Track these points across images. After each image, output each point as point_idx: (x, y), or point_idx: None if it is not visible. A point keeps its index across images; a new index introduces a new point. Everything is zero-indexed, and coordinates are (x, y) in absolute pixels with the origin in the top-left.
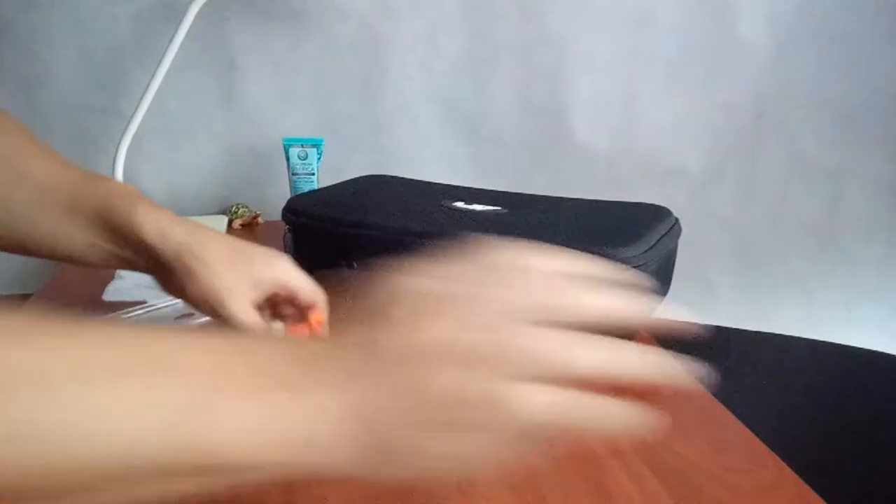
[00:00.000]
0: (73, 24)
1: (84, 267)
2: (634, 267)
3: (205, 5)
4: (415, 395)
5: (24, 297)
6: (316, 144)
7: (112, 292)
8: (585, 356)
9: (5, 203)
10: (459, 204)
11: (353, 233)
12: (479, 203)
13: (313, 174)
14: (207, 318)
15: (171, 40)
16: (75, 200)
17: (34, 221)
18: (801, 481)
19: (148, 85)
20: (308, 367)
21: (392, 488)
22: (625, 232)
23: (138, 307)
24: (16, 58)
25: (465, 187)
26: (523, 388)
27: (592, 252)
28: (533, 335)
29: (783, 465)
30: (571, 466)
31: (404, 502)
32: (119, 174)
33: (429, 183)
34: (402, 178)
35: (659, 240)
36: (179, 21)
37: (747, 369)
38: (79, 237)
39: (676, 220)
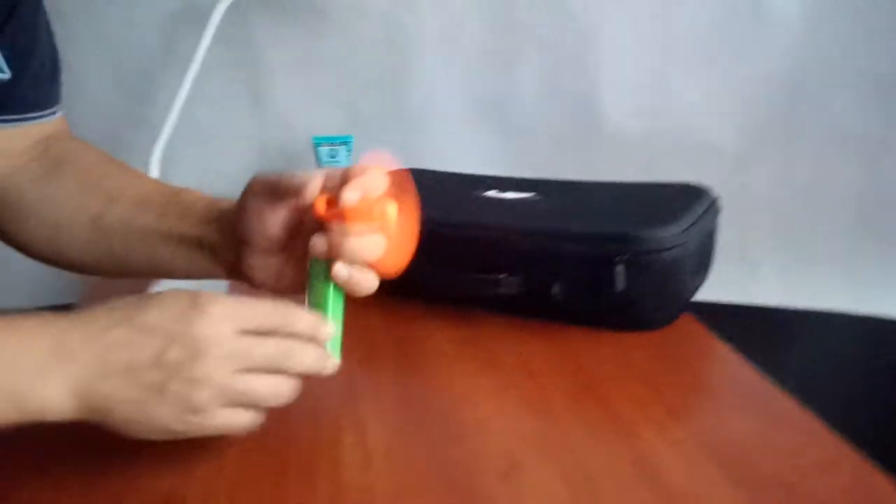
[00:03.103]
0: (100, 37)
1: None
2: (674, 247)
3: (228, 9)
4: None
5: (66, 307)
6: (345, 142)
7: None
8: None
9: (99, 224)
10: (492, 193)
11: None
12: (513, 191)
13: None
14: None
15: (196, 46)
16: (165, 206)
17: (127, 235)
18: (859, 455)
19: (176, 92)
20: (48, 350)
21: (435, 476)
22: (662, 212)
23: None
24: None
25: (496, 176)
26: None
27: (631, 234)
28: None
29: (840, 440)
30: (621, 451)
31: (448, 488)
32: None
33: (460, 174)
34: (433, 171)
35: (698, 218)
36: (204, 26)
37: (794, 348)
38: (168, 240)
39: (715, 198)
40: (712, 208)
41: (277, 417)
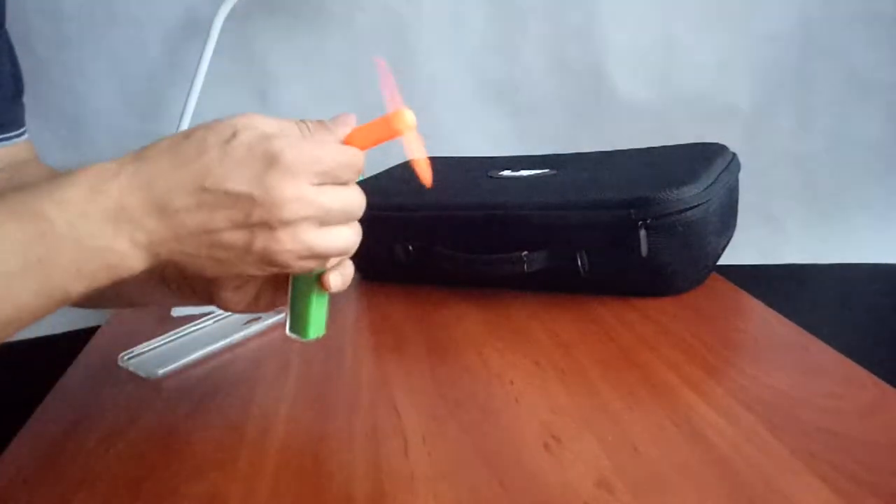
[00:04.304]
0: (106, 56)
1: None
2: (697, 206)
3: (228, 17)
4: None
5: (93, 330)
6: None
7: (180, 308)
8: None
9: None
10: (506, 172)
11: (406, 216)
12: (526, 169)
13: None
14: (273, 321)
15: (200, 57)
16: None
17: None
18: None
19: (185, 105)
20: (108, 217)
21: (474, 456)
22: (680, 172)
23: (207, 317)
24: (57, 97)
25: (508, 157)
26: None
27: (651, 197)
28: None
29: (883, 383)
30: (661, 415)
31: (488, 466)
32: None
33: (472, 158)
34: (445, 158)
35: (717, 176)
36: (206, 37)
37: (827, 305)
38: (133, 277)
39: (734, 154)
40: (731, 165)
41: (314, 410)
